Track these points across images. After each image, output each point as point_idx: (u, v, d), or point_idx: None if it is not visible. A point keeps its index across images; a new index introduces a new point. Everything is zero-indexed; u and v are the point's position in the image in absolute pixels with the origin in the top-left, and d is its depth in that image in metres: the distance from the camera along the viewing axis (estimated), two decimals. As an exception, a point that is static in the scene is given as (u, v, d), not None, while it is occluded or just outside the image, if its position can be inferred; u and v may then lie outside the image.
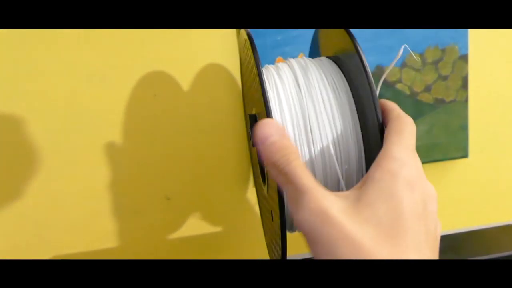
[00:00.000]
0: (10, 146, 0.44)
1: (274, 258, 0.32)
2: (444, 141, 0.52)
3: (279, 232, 0.27)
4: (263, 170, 0.34)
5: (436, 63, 0.50)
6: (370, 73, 0.26)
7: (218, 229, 0.51)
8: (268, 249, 0.37)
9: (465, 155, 0.53)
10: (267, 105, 0.25)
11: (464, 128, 0.52)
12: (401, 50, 0.29)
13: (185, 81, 0.47)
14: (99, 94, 0.45)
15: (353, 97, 0.28)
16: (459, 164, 0.54)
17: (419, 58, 0.49)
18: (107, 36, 0.44)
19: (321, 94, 0.28)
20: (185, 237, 0.50)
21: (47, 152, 0.45)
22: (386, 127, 0.26)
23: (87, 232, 0.47)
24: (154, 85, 0.46)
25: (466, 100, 0.51)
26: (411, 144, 0.25)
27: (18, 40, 0.43)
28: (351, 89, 0.29)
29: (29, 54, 0.43)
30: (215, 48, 0.46)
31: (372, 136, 0.26)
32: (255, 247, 0.51)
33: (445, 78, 0.51)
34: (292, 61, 0.31)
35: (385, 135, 0.25)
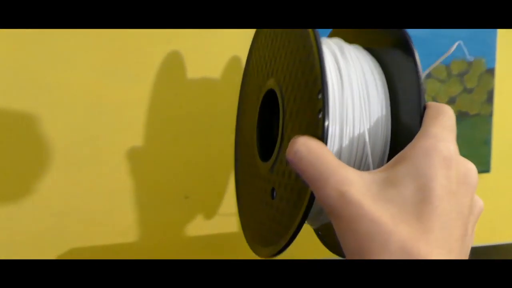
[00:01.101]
0: (34, 141, 0.45)
1: (262, 241, 0.30)
2: (466, 155, 0.50)
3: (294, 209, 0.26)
4: (266, 146, 0.33)
5: (461, 75, 0.50)
6: (421, 68, 0.26)
7: (234, 229, 0.51)
8: (250, 234, 0.34)
9: (487, 169, 0.52)
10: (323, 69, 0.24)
11: (487, 142, 0.51)
12: (454, 46, 0.28)
13: (206, 81, 0.47)
14: (121, 92, 0.46)
15: (388, 85, 0.28)
16: (480, 178, 0.53)
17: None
18: (130, 36, 0.45)
19: (357, 77, 0.27)
20: (202, 236, 0.50)
21: (69, 148, 0.46)
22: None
23: (106, 226, 0.48)
24: (176, 84, 0.47)
25: (490, 115, 0.51)
26: (449, 125, 0.24)
27: (42, 38, 0.43)
28: (386, 78, 0.28)
29: (52, 53, 0.44)
30: (239, 49, 0.47)
31: (408, 123, 0.26)
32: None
33: (470, 91, 0.50)
34: (329, 41, 0.30)
35: (423, 121, 0.25)
